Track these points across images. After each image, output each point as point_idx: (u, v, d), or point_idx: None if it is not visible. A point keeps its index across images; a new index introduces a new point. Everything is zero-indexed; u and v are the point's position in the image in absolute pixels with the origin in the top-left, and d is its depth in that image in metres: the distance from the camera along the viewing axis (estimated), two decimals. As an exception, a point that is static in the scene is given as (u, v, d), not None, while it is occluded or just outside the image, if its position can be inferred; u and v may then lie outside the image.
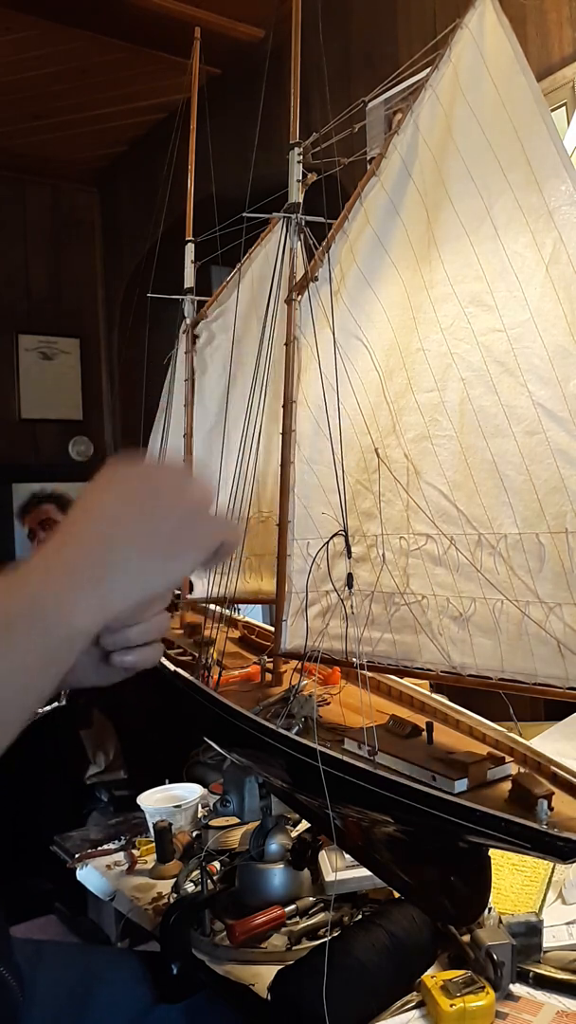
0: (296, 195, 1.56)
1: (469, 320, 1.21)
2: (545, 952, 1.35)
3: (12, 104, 3.78)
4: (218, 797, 1.70)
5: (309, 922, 1.50)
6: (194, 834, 1.92)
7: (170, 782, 2.14)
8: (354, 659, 1.33)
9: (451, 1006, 1.20)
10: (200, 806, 2.04)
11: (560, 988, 1.28)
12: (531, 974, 1.30)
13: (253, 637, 1.95)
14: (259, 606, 2.05)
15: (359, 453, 1.38)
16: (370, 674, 1.41)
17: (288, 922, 1.50)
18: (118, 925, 1.90)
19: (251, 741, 1.37)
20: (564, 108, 2.08)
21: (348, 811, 1.27)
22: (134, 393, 4.03)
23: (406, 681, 1.45)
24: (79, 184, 4.70)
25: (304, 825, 1.71)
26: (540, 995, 1.27)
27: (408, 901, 1.38)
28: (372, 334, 1.38)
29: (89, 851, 2.00)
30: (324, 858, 1.61)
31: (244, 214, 1.61)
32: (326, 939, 1.35)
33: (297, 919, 1.51)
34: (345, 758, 1.15)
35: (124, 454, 0.70)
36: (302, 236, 1.57)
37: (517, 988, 1.28)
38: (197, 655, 1.76)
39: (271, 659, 1.58)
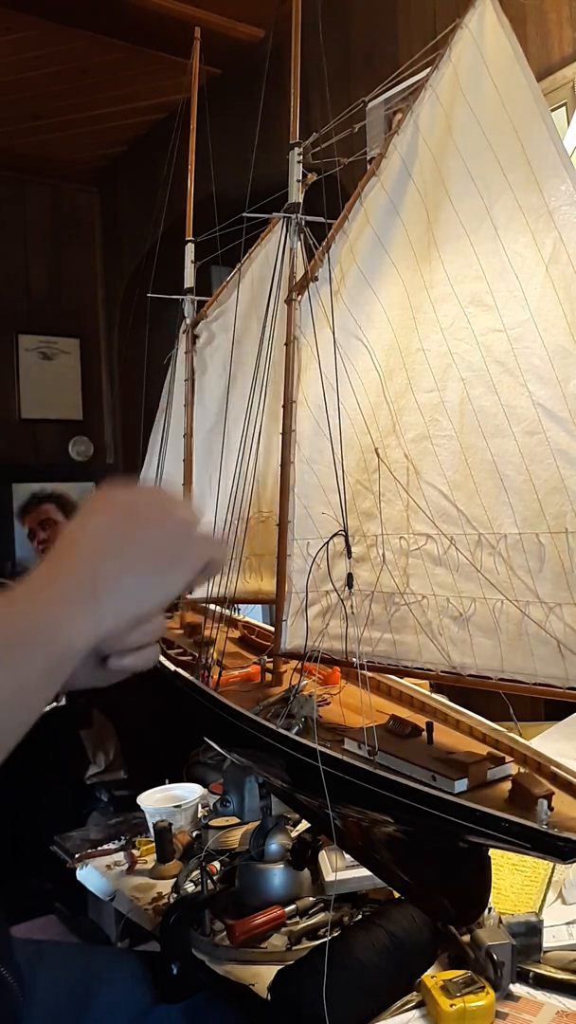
0: (296, 195, 1.56)
1: (469, 320, 1.21)
2: (545, 952, 1.35)
3: (12, 104, 3.78)
4: (218, 797, 1.71)
5: (309, 922, 1.50)
6: (194, 834, 1.92)
7: (170, 782, 2.14)
8: (354, 659, 1.33)
9: (451, 1006, 1.20)
10: (200, 806, 2.04)
11: (560, 988, 1.28)
12: (531, 974, 1.30)
13: (253, 637, 1.95)
14: (259, 606, 2.05)
15: (359, 453, 1.38)
16: (370, 674, 1.41)
17: (288, 922, 1.50)
18: (118, 925, 1.90)
19: (251, 741, 1.37)
20: (564, 108, 2.08)
21: (348, 811, 1.27)
22: (134, 393, 4.03)
23: (406, 681, 1.46)
24: (79, 184, 4.71)
25: (304, 825, 1.71)
26: (540, 995, 1.27)
27: (408, 901, 1.38)
28: (372, 334, 1.38)
29: (89, 851, 2.00)
30: (324, 858, 1.61)
31: (244, 214, 1.61)
32: (326, 939, 1.35)
33: (297, 919, 1.51)
34: (345, 758, 1.15)
35: (113, 481, 0.73)
36: (302, 236, 1.57)
37: (517, 988, 1.28)
38: (197, 655, 1.76)
39: (271, 659, 1.58)
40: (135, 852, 1.93)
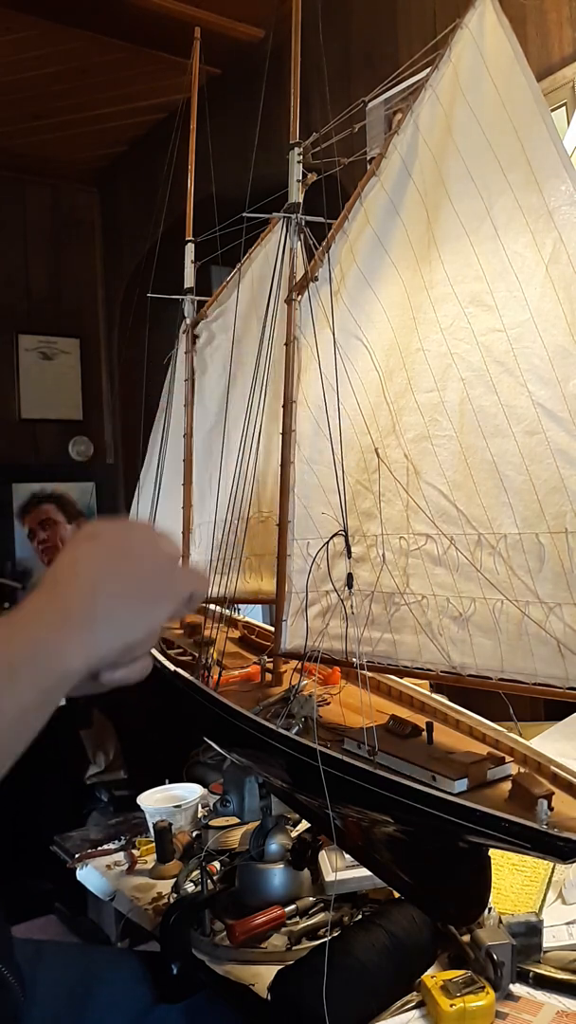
0: (296, 195, 1.56)
1: (469, 320, 1.21)
2: (545, 952, 1.35)
3: (12, 104, 3.78)
4: (218, 797, 1.71)
5: (309, 922, 1.50)
6: (194, 834, 1.92)
7: (170, 782, 2.14)
8: (354, 659, 1.33)
9: (451, 1006, 1.20)
10: (200, 806, 2.04)
11: (560, 988, 1.28)
12: (531, 974, 1.30)
13: (253, 637, 1.95)
14: (259, 606, 2.05)
15: (359, 453, 1.38)
16: (370, 674, 1.41)
17: (288, 922, 1.50)
18: (118, 925, 1.90)
19: (251, 741, 1.37)
20: (564, 108, 2.08)
21: (348, 811, 1.27)
22: (134, 393, 4.03)
23: (406, 681, 1.46)
24: (79, 184, 4.71)
25: (304, 825, 1.71)
26: (540, 995, 1.27)
27: (408, 901, 1.38)
28: (372, 334, 1.38)
29: (89, 851, 2.00)
30: (324, 858, 1.61)
31: (244, 214, 1.61)
32: (326, 939, 1.35)
33: (297, 919, 1.51)
34: (345, 758, 1.15)
35: (102, 518, 0.78)
36: (302, 236, 1.57)
37: (517, 988, 1.28)
38: (197, 655, 1.76)
39: (271, 659, 1.58)
40: (135, 852, 1.93)
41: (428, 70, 1.27)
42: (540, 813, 0.97)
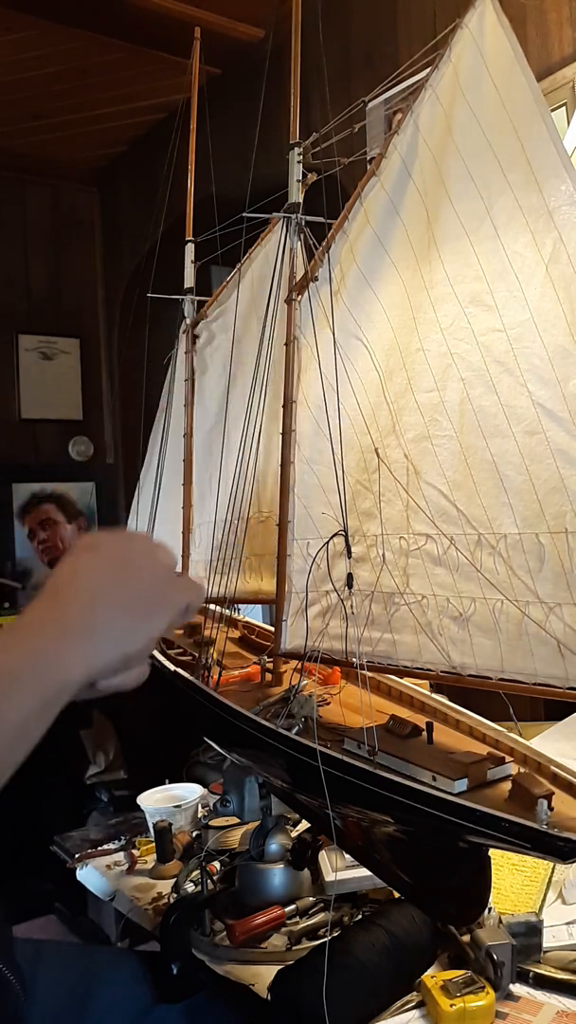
0: (296, 195, 1.56)
1: (469, 320, 1.21)
2: (545, 952, 1.35)
3: (12, 104, 3.78)
4: (218, 797, 1.70)
5: (309, 922, 1.50)
6: (194, 834, 1.92)
7: (170, 782, 2.14)
8: (354, 659, 1.33)
9: (451, 1006, 1.20)
10: (200, 806, 2.04)
11: (560, 988, 1.28)
12: (531, 974, 1.30)
13: (253, 637, 1.95)
14: (259, 606, 2.05)
15: (359, 453, 1.38)
16: (370, 674, 1.41)
17: (288, 922, 1.50)
18: (118, 925, 1.90)
19: (251, 741, 1.37)
20: (564, 108, 2.08)
21: (348, 811, 1.27)
22: (134, 393, 4.03)
23: (406, 681, 1.46)
24: (79, 184, 4.71)
25: (304, 825, 1.71)
26: (540, 995, 1.27)
27: (408, 901, 1.38)
28: (372, 334, 1.38)
29: (89, 851, 2.00)
30: (324, 858, 1.61)
31: (244, 214, 1.61)
32: (326, 939, 1.35)
33: (297, 919, 1.51)
34: (345, 758, 1.15)
35: (103, 521, 0.78)
36: (302, 236, 1.57)
37: (517, 988, 1.28)
38: (197, 655, 1.76)
39: (271, 659, 1.58)
40: (135, 852, 1.93)
41: (428, 70, 1.27)
42: (540, 813, 0.97)
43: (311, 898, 1.55)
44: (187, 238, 2.26)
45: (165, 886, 1.77)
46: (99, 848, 2.01)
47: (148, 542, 0.80)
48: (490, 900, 1.24)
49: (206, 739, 1.90)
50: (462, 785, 1.09)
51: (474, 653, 1.20)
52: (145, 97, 3.79)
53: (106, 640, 0.70)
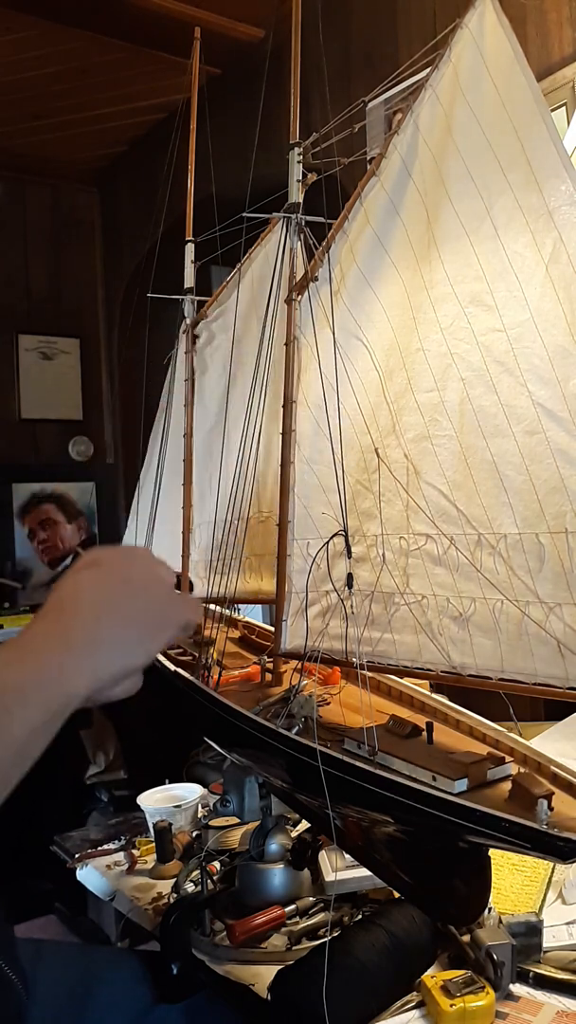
0: (296, 195, 1.56)
1: (469, 320, 1.21)
2: (545, 952, 1.35)
3: (12, 104, 3.78)
4: (218, 797, 1.70)
5: (309, 922, 1.50)
6: (194, 834, 1.92)
7: (170, 782, 2.14)
8: (354, 659, 1.33)
9: (451, 1006, 1.20)
10: (200, 806, 2.04)
11: (560, 988, 1.28)
12: (531, 974, 1.30)
13: (253, 637, 1.95)
14: (259, 606, 2.05)
15: (359, 453, 1.38)
16: (370, 674, 1.41)
17: (288, 922, 1.50)
18: (118, 925, 1.90)
19: (251, 741, 1.37)
20: (564, 108, 2.08)
21: (348, 811, 1.27)
22: (134, 393, 4.03)
23: (406, 681, 1.46)
24: (79, 184, 4.71)
25: (304, 825, 1.71)
26: (540, 995, 1.27)
27: (408, 901, 1.38)
28: (372, 334, 1.38)
29: (89, 851, 2.00)
30: (324, 858, 1.61)
31: (244, 214, 1.61)
32: (326, 939, 1.35)
33: (297, 919, 1.51)
34: (345, 758, 1.15)
35: (102, 546, 0.82)
36: (302, 236, 1.57)
37: (517, 988, 1.28)
38: (197, 655, 1.76)
39: (271, 659, 1.58)
40: (135, 852, 1.93)
41: (428, 70, 1.27)
42: (540, 813, 0.97)
43: (311, 898, 1.55)
44: (187, 238, 2.26)
45: (165, 886, 1.77)
46: (99, 848, 2.01)
47: (149, 559, 0.82)
48: (490, 900, 1.24)
49: (206, 739, 1.90)
50: (462, 785, 1.09)
51: (474, 653, 1.20)
52: (145, 97, 3.79)
53: (109, 655, 0.72)
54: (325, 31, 1.58)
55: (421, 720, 1.29)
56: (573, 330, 1.09)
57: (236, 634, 1.99)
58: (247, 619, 2.07)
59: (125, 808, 2.42)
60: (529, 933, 1.33)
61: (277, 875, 1.55)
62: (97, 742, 3.27)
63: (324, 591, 1.42)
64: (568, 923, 1.44)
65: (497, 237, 1.17)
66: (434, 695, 1.41)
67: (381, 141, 1.64)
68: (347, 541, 1.35)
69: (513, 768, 1.15)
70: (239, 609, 2.01)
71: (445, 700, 1.40)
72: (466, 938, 1.35)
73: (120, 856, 1.95)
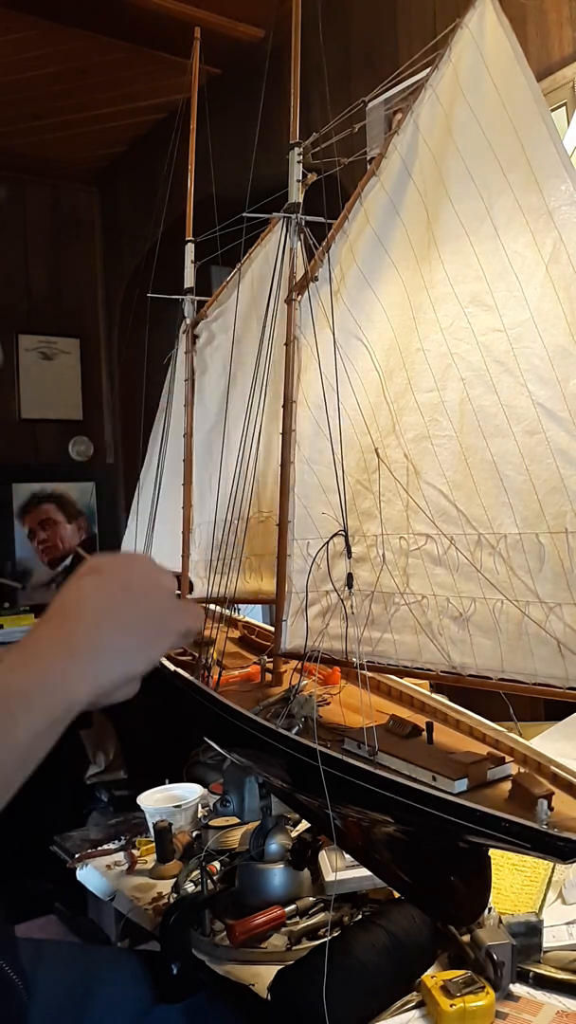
0: (296, 195, 1.56)
1: (469, 320, 1.21)
2: (545, 952, 1.35)
3: (12, 104, 3.77)
4: (218, 797, 1.71)
5: (309, 922, 1.50)
6: (194, 834, 1.92)
7: (170, 782, 2.14)
8: (354, 659, 1.33)
9: (451, 1006, 1.20)
10: (200, 806, 2.04)
11: (560, 988, 1.28)
12: (531, 974, 1.30)
13: (253, 637, 1.95)
14: (259, 606, 2.05)
15: (359, 453, 1.38)
16: (370, 674, 1.41)
17: (288, 922, 1.50)
18: (118, 925, 1.90)
19: (251, 741, 1.37)
20: (564, 108, 2.08)
21: (348, 811, 1.27)
22: (134, 393, 4.03)
23: (406, 681, 1.46)
24: (79, 184, 4.70)
25: (304, 825, 1.71)
26: (540, 995, 1.27)
27: (408, 901, 1.38)
28: (372, 334, 1.38)
29: (89, 851, 2.00)
30: (324, 858, 1.61)
31: (244, 214, 1.61)
32: (326, 939, 1.35)
33: (297, 919, 1.51)
34: (345, 758, 1.15)
35: (104, 553, 0.83)
36: (302, 236, 1.57)
37: (517, 988, 1.28)
38: (197, 655, 1.76)
39: (271, 659, 1.58)
40: (135, 852, 1.93)
41: (428, 70, 1.27)
42: (540, 813, 0.97)
43: (311, 898, 1.55)
44: (187, 238, 2.26)
45: (165, 886, 1.77)
46: (99, 848, 2.01)
47: (150, 566, 0.82)
48: (490, 900, 1.24)
49: (206, 739, 1.90)
50: (462, 785, 1.09)
51: (474, 653, 1.20)
52: (145, 97, 3.79)
53: (111, 661, 0.73)
54: (325, 31, 1.58)
55: (421, 720, 1.28)
56: (573, 330, 1.09)
57: (236, 634, 1.99)
58: (247, 619, 2.07)
59: (125, 808, 2.42)
60: (529, 933, 1.33)
61: (277, 875, 1.56)
62: (97, 742, 3.28)
63: (324, 591, 1.42)
64: (568, 923, 1.44)
65: (497, 237, 1.17)
66: (434, 695, 1.41)
67: (381, 141, 1.64)
68: (347, 541, 1.35)
69: (513, 768, 1.15)
70: (239, 609, 2.01)
71: (445, 700, 1.40)
72: (466, 938, 1.35)
73: (120, 856, 1.95)
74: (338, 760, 1.15)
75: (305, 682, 1.44)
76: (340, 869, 1.57)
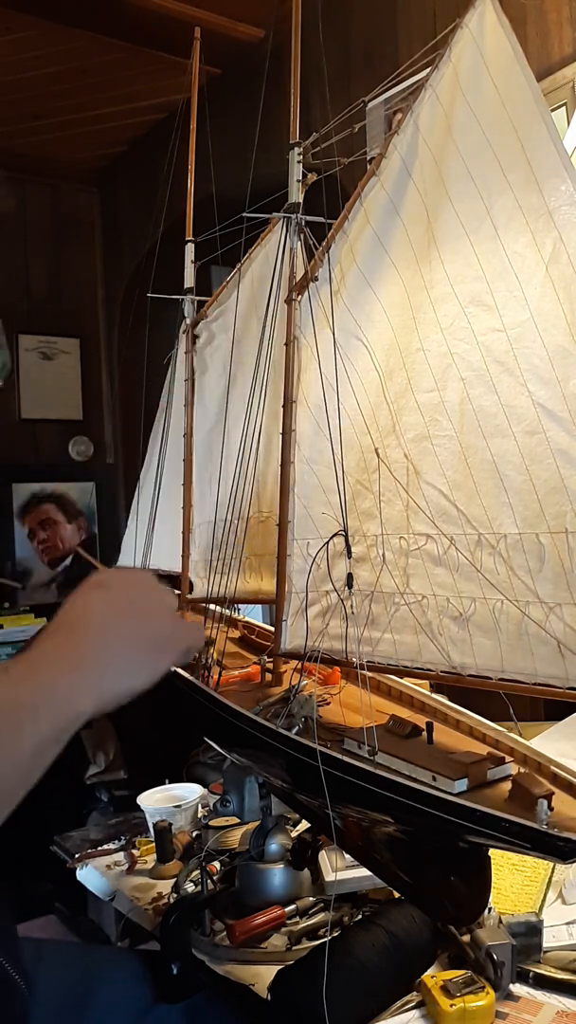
0: (296, 195, 1.56)
1: (469, 320, 1.21)
2: (545, 952, 1.35)
3: (12, 104, 3.77)
4: (218, 797, 1.71)
5: (309, 922, 1.50)
6: (194, 834, 1.92)
7: (170, 782, 2.14)
8: (354, 659, 1.33)
9: (451, 1006, 1.20)
10: (200, 806, 2.04)
11: (560, 988, 1.28)
12: (531, 974, 1.30)
13: (253, 637, 1.95)
14: (259, 606, 2.05)
15: (359, 453, 1.38)
16: (370, 674, 1.41)
17: (288, 922, 1.50)
18: (118, 925, 1.90)
19: (251, 741, 1.37)
20: (564, 108, 2.08)
21: (348, 811, 1.27)
22: (134, 393, 4.03)
23: (406, 681, 1.46)
24: (79, 184, 4.70)
25: (304, 825, 1.71)
26: (540, 995, 1.27)
27: (408, 901, 1.38)
28: (372, 334, 1.38)
29: (89, 851, 2.00)
30: (324, 858, 1.61)
31: (244, 214, 1.61)
32: (326, 939, 1.35)
33: (297, 919, 1.51)
34: (345, 758, 1.15)
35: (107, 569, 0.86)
36: (302, 236, 1.57)
37: (517, 988, 1.28)
38: (197, 655, 1.76)
39: (271, 659, 1.58)
40: (135, 852, 1.93)
41: (428, 70, 1.27)
42: (540, 813, 0.97)
43: (311, 898, 1.55)
44: (187, 238, 2.26)
45: (165, 886, 1.77)
46: (99, 848, 2.02)
47: (153, 583, 0.85)
48: (490, 900, 1.24)
49: (206, 739, 1.90)
50: (462, 785, 1.09)
51: (474, 653, 1.20)
52: (145, 97, 3.79)
53: (116, 676, 0.74)
54: (325, 31, 1.58)
55: (421, 720, 1.29)
56: (573, 330, 1.09)
57: (236, 634, 1.99)
58: (247, 619, 2.07)
59: (125, 808, 2.42)
60: (529, 933, 1.33)
61: (277, 875, 1.56)
62: (97, 742, 3.28)
63: (324, 591, 1.42)
64: (568, 923, 1.44)
65: (497, 237, 1.17)
66: (434, 695, 1.41)
67: (381, 141, 1.64)
68: (347, 541, 1.35)
69: (513, 768, 1.15)
70: (239, 609, 2.01)
71: (445, 700, 1.40)
72: (466, 938, 1.35)
73: (120, 856, 1.95)
74: (338, 760, 1.15)
75: (305, 682, 1.44)
76: (340, 869, 1.57)
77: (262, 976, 1.36)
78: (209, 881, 1.62)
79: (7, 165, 4.36)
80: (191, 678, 1.66)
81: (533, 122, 1.13)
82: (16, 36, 3.27)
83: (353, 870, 1.54)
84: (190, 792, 2.07)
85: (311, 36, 1.58)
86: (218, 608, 1.89)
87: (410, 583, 1.28)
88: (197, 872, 1.71)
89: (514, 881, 1.51)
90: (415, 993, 1.29)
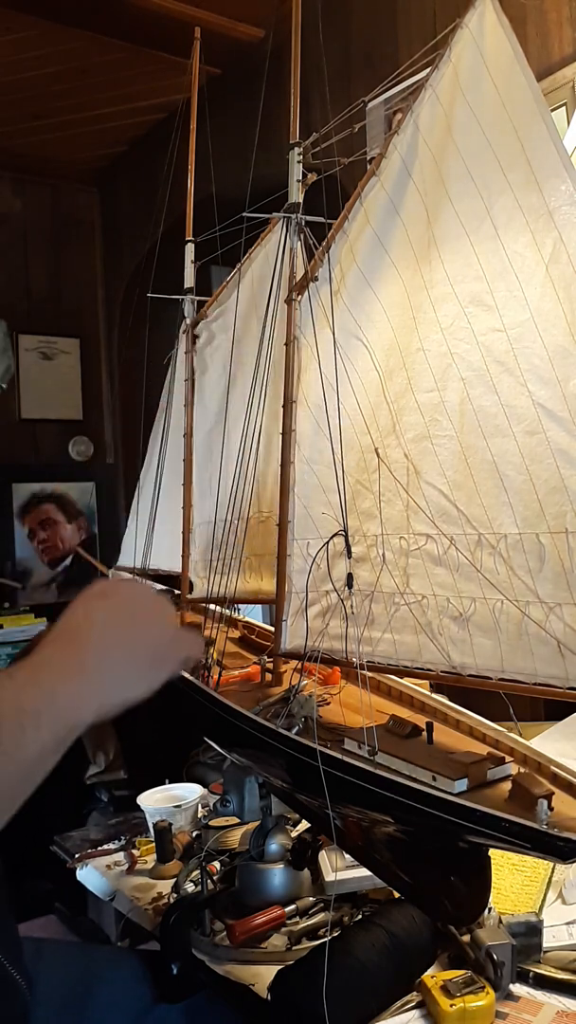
0: (296, 195, 1.56)
1: (469, 320, 1.21)
2: (545, 952, 1.35)
3: (12, 104, 3.77)
4: (218, 797, 1.71)
5: (309, 922, 1.50)
6: (194, 834, 1.92)
7: (170, 782, 2.14)
8: (354, 659, 1.33)
9: (451, 1006, 1.20)
10: (200, 806, 2.04)
11: (560, 988, 1.28)
12: (531, 974, 1.30)
13: (253, 637, 1.95)
14: (259, 606, 2.05)
15: (359, 453, 1.38)
16: (370, 674, 1.41)
17: (288, 922, 1.50)
18: (118, 925, 1.90)
19: (251, 741, 1.37)
20: (564, 108, 2.08)
21: (348, 811, 1.27)
22: (134, 393, 4.03)
23: (406, 681, 1.46)
24: (79, 184, 4.70)
25: (304, 825, 1.71)
26: (540, 995, 1.27)
27: (408, 901, 1.38)
28: (372, 334, 1.38)
29: (89, 851, 2.00)
30: (324, 858, 1.61)
31: (244, 214, 1.61)
32: (326, 939, 1.35)
33: (297, 919, 1.51)
34: (345, 758, 1.15)
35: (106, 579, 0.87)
36: (302, 236, 1.57)
37: (517, 988, 1.28)
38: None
39: (271, 659, 1.58)
40: (135, 852, 1.93)
41: (428, 70, 1.27)
42: (540, 813, 0.97)
43: (311, 898, 1.55)
44: (187, 238, 2.26)
45: (165, 886, 1.77)
46: (99, 848, 2.01)
47: (153, 594, 0.86)
48: (490, 900, 1.24)
49: (206, 739, 1.90)
50: (462, 785, 1.09)
51: (474, 653, 1.20)
52: (145, 97, 3.79)
53: (116, 686, 0.76)
54: (325, 31, 1.58)
55: (421, 720, 1.28)
56: (573, 330, 1.09)
57: (236, 634, 1.99)
58: (247, 619, 2.07)
59: (125, 808, 2.42)
60: (529, 933, 1.33)
61: (277, 875, 1.56)
62: (97, 742, 3.27)
63: (324, 591, 1.42)
64: (568, 923, 1.44)
65: (497, 237, 1.17)
66: (434, 695, 1.41)
67: (381, 141, 1.64)
68: (347, 541, 1.35)
69: (513, 768, 1.15)
70: (239, 609, 2.01)
71: (445, 700, 1.39)
72: (466, 938, 1.35)
73: (120, 856, 1.95)
74: (338, 760, 1.15)
75: (305, 682, 1.44)
76: (340, 869, 1.57)
77: (262, 976, 1.36)
78: (209, 881, 1.62)
79: (7, 165, 4.36)
80: (191, 678, 1.66)
81: (533, 122, 1.13)
82: (16, 36, 3.27)
83: (353, 870, 1.54)
84: (190, 792, 2.07)
85: (311, 36, 1.58)
86: (218, 608, 1.89)
87: (410, 583, 1.28)
88: (197, 872, 1.71)
89: (514, 881, 1.51)
90: (415, 993, 1.29)
